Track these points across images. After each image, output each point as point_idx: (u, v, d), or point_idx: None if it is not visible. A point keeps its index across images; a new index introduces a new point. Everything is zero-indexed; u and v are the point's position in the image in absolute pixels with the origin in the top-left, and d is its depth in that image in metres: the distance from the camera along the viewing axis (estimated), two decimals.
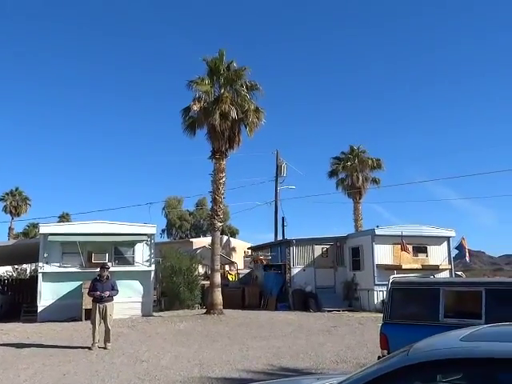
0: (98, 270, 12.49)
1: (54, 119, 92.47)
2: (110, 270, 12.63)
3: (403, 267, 19.41)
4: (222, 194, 20.01)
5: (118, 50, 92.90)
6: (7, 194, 51.34)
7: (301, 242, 22.57)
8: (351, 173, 33.40)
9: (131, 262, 18.68)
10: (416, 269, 19.25)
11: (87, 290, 15.92)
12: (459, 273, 25.78)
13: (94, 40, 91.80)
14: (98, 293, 11.63)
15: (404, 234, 20.42)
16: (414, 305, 7.08)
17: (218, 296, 18.91)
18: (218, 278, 19.38)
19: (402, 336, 6.24)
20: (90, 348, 11.30)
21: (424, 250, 21.52)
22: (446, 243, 21.98)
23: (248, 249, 33.32)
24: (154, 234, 19.59)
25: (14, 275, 32.18)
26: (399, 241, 20.38)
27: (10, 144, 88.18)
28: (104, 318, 11.59)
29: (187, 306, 21.07)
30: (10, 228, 50.79)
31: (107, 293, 11.64)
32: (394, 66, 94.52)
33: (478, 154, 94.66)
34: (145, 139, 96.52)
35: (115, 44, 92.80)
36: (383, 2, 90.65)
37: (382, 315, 7.63)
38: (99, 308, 11.61)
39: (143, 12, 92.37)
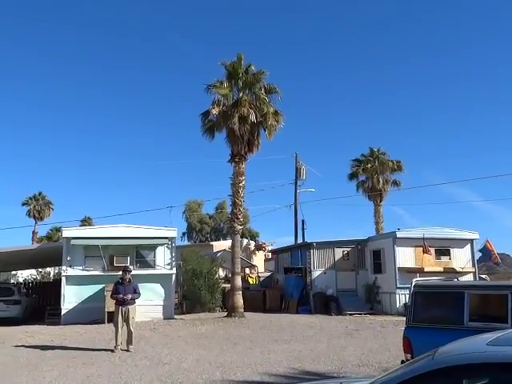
0: (121, 273, 12.62)
1: (76, 123, 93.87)
2: (131, 273, 12.74)
3: (425, 270, 19.17)
4: (242, 197, 20.03)
5: (139, 56, 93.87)
6: (31, 198, 52.20)
7: (321, 245, 22.46)
8: (371, 175, 33.14)
9: (152, 266, 18.83)
10: (439, 272, 19.01)
11: (110, 293, 16.13)
12: (483, 276, 25.41)
13: (113, 46, 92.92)
14: (121, 296, 11.74)
15: (426, 236, 20.16)
16: (438, 308, 6.98)
17: (239, 299, 18.92)
18: (238, 281, 19.40)
19: (426, 340, 6.17)
20: (112, 350, 11.41)
21: (447, 253, 21.22)
22: (469, 246, 21.63)
23: (268, 252, 33.30)
24: (174, 238, 19.72)
25: (38, 278, 32.75)
26: (421, 243, 20.13)
27: (34, 149, 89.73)
28: (126, 320, 11.70)
29: (208, 309, 21.13)
30: (33, 232, 51.59)
31: (129, 296, 11.74)
32: (413, 67, 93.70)
33: (500, 155, 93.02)
34: (165, 143, 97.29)
35: (136, 49, 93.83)
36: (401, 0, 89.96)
37: (404, 318, 7.55)
38: (122, 311, 11.72)
39: (159, 17, 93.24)
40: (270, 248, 21.85)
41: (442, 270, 19.75)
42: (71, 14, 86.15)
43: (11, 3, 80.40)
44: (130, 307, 11.82)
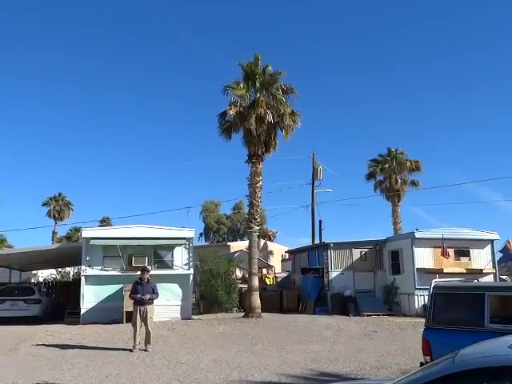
0: (139, 273, 12.73)
1: (94, 124, 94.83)
2: (149, 273, 12.83)
3: (445, 271, 18.96)
4: (259, 197, 20.04)
5: (155, 57, 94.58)
6: (51, 199, 52.94)
7: (339, 246, 22.35)
8: (389, 175, 32.96)
9: (170, 266, 18.93)
10: (458, 273, 18.75)
11: (128, 292, 16.29)
12: (504, 277, 25.01)
13: (128, 46, 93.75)
14: (139, 295, 11.83)
15: (445, 236, 19.93)
16: (458, 310, 6.90)
17: (256, 299, 18.93)
18: (255, 282, 19.41)
19: (446, 342, 6.11)
20: (131, 350, 11.50)
21: (466, 254, 20.96)
22: (489, 246, 21.34)
23: (285, 252, 33.28)
24: (192, 238, 19.79)
25: (58, 278, 33.17)
26: (440, 244, 19.92)
27: (53, 150, 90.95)
28: (145, 320, 11.79)
29: (225, 309, 21.20)
30: (53, 232, 52.32)
31: (148, 296, 11.84)
32: (431, 66, 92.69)
33: None
34: (182, 144, 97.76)
35: (153, 50, 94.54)
36: (419, 1, 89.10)
37: (423, 320, 7.48)
38: (140, 311, 11.82)
39: (174, 18, 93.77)
40: (276, 235, 21.31)
41: (461, 270, 19.51)
42: (88, 16, 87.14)
43: (28, 4, 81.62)
44: (148, 307, 11.90)
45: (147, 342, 11.72)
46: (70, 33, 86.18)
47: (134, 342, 11.69)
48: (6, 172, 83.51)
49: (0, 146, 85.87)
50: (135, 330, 11.77)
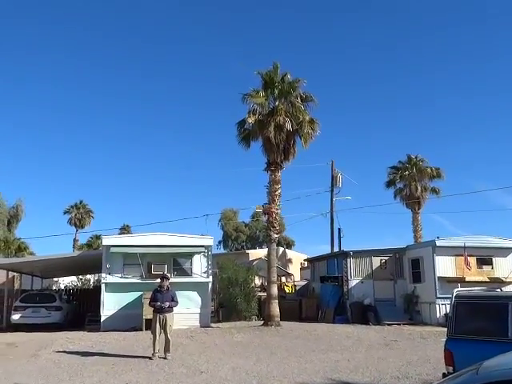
0: (159, 280, 12.79)
1: (114, 132, 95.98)
2: (169, 280, 12.88)
3: (467, 280, 18.66)
4: (278, 205, 20.01)
5: (174, 64, 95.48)
6: (72, 206, 53.68)
7: (358, 254, 22.17)
8: (409, 182, 32.66)
9: (189, 274, 18.99)
10: (481, 281, 18.44)
11: (147, 300, 16.38)
12: None
13: (147, 54, 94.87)
14: (159, 303, 11.87)
15: (467, 245, 19.64)
16: (481, 320, 6.77)
17: (275, 308, 18.85)
18: (274, 290, 19.33)
19: (469, 352, 6.00)
20: (150, 358, 11.53)
21: (489, 262, 20.59)
22: None
23: (304, 260, 33.12)
24: (211, 246, 19.83)
25: (79, 285, 33.51)
26: (462, 252, 19.63)
27: (76, 158, 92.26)
28: (164, 328, 11.81)
29: (244, 317, 21.15)
30: (74, 239, 53.02)
31: (167, 303, 11.86)
32: (452, 72, 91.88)
33: None
34: (201, 152, 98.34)
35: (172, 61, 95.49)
36: (438, 9, 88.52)
37: (445, 329, 7.35)
38: (159, 318, 11.85)
39: (194, 26, 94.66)
40: (277, 212, 19.99)
41: (483, 279, 19.18)
42: (111, 24, 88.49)
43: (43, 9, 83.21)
44: (168, 315, 11.93)
45: (166, 349, 11.74)
46: (94, 42, 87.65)
47: (154, 350, 11.72)
48: (30, 179, 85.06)
49: (24, 154, 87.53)
50: (154, 338, 11.80)
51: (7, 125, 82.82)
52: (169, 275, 14.73)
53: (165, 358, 11.51)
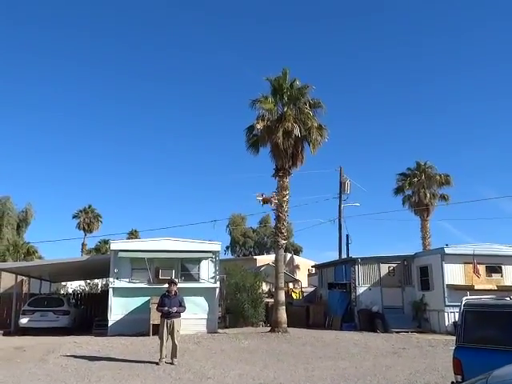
0: (166, 285, 12.78)
1: (123, 137, 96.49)
2: (177, 285, 12.85)
3: (475, 288, 18.47)
4: (286, 211, 19.97)
5: (183, 70, 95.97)
6: (81, 211, 53.89)
7: (366, 261, 22.08)
8: (418, 189, 32.53)
9: (197, 279, 18.98)
10: (490, 290, 18.27)
11: (155, 305, 16.39)
12: None
13: (157, 61, 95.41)
14: (166, 308, 11.85)
15: (476, 252, 19.49)
16: (490, 328, 6.69)
17: (283, 314, 18.78)
18: (282, 296, 19.27)
19: (478, 361, 5.94)
20: (157, 363, 11.51)
21: (498, 270, 20.41)
22: None
23: (312, 267, 33.02)
24: (218, 251, 19.83)
25: (87, 289, 33.59)
26: (471, 260, 19.48)
27: (85, 163, 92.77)
28: (171, 333, 11.78)
29: (251, 323, 21.10)
30: (82, 244, 53.22)
31: (175, 309, 11.84)
32: (460, 78, 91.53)
33: None
34: (209, 157, 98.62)
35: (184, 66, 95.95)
36: (446, 14, 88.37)
37: (453, 338, 7.29)
38: (167, 323, 11.83)
39: (205, 33, 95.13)
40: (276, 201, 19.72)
41: (493, 287, 19.00)
42: (122, 33, 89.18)
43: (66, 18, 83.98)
44: (175, 320, 11.90)
45: (173, 355, 11.71)
46: (109, 50, 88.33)
47: (161, 355, 11.70)
48: (39, 183, 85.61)
49: (34, 158, 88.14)
50: (162, 343, 11.79)
51: (17, 128, 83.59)
52: (176, 280, 14.70)
53: (172, 364, 11.48)
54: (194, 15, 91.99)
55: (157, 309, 12.41)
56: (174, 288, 12.28)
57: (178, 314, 11.97)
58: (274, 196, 19.46)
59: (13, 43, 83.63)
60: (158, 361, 11.63)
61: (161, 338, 11.85)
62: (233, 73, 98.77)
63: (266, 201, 19.75)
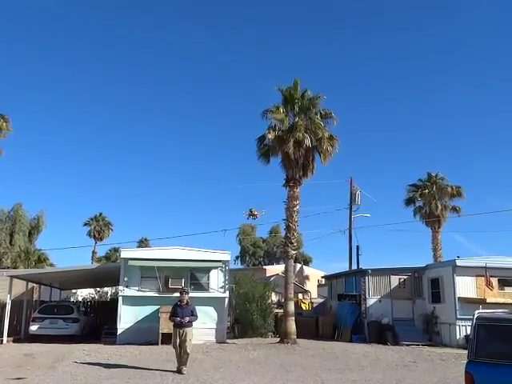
0: (175, 294, 12.77)
1: (134, 146, 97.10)
2: (189, 294, 12.85)
3: (488, 301, 18.22)
4: (296, 221, 19.91)
5: (194, 80, 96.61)
6: (91, 219, 54.11)
7: (377, 272, 21.91)
8: (429, 201, 32.31)
9: (206, 288, 18.95)
10: (502, 303, 18.03)
11: (164, 314, 16.46)
12: None
13: (168, 69, 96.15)
14: (178, 319, 11.91)
15: (488, 265, 19.26)
16: (503, 343, 6.56)
17: (292, 325, 18.66)
18: (291, 307, 19.17)
19: (490, 376, 5.86)
20: (176, 371, 11.60)
21: (511, 284, 20.15)
22: None
23: (322, 277, 32.85)
24: (228, 261, 19.80)
25: (96, 297, 33.66)
26: (483, 273, 19.26)
27: (97, 171, 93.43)
28: (183, 342, 11.84)
29: (260, 334, 20.99)
30: (93, 252, 53.34)
31: (187, 318, 11.91)
32: (474, 89, 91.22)
33: None
34: (220, 166, 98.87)
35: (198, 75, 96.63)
36: (457, 26, 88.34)
37: (465, 352, 7.19)
38: (179, 333, 11.90)
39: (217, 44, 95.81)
40: (260, 215, 22.60)
41: (506, 301, 18.72)
42: (139, 42, 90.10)
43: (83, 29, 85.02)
44: (187, 329, 11.95)
45: (184, 363, 11.76)
46: (128, 59, 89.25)
47: (178, 364, 11.81)
48: (51, 191, 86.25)
49: (46, 166, 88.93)
50: (176, 352, 11.89)
51: (30, 135, 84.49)
52: (187, 289, 14.71)
53: (180, 373, 11.48)
54: (206, 26, 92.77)
55: (169, 318, 12.46)
56: (186, 297, 12.33)
57: (190, 324, 12.04)
58: (259, 212, 20.98)
59: (16, 47, 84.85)
60: (175, 369, 11.74)
61: (175, 348, 11.94)
62: (247, 84, 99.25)
63: (252, 215, 21.66)
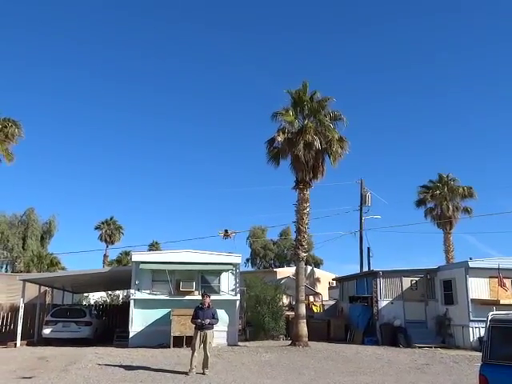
0: (189, 297, 12.82)
1: (146, 150, 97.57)
2: (195, 298, 12.95)
3: (501, 303, 18.09)
4: (306, 223, 19.89)
5: (203, 83, 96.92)
6: (103, 223, 54.35)
7: (388, 274, 21.80)
8: (440, 202, 32.11)
9: (217, 291, 18.97)
10: None
11: (175, 317, 16.56)
12: None
13: (178, 73, 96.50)
14: (199, 320, 12.12)
15: (501, 266, 19.07)
16: None
17: (303, 328, 18.62)
18: (303, 309, 19.14)
19: (505, 379, 5.80)
20: (187, 373, 11.66)
21: None
22: None
23: (333, 280, 32.74)
24: (239, 264, 19.83)
25: (108, 301, 33.81)
26: (496, 274, 19.08)
27: (109, 175, 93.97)
28: (204, 344, 12.02)
29: (272, 336, 20.97)
30: (104, 255, 53.55)
31: (208, 320, 12.11)
32: (486, 91, 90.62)
33: None
34: (231, 169, 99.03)
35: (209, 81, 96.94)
36: (469, 27, 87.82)
37: (479, 354, 7.13)
38: (200, 335, 12.09)
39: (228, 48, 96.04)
40: (233, 234, 24.33)
41: None
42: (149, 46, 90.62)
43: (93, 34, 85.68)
44: (208, 332, 12.15)
45: (205, 365, 11.90)
46: (138, 64, 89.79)
47: (191, 366, 11.88)
48: (63, 195, 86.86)
49: (58, 171, 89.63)
50: (193, 354, 11.99)
51: (42, 140, 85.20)
52: (208, 293, 14.78)
53: (203, 374, 11.65)
54: (215, 29, 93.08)
55: (191, 321, 12.63)
56: (208, 300, 12.53)
57: (210, 326, 12.25)
58: (231, 233, 23.74)
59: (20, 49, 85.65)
60: (187, 371, 11.79)
61: (193, 349, 12.05)
62: (255, 86, 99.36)
63: (225, 235, 24.43)
